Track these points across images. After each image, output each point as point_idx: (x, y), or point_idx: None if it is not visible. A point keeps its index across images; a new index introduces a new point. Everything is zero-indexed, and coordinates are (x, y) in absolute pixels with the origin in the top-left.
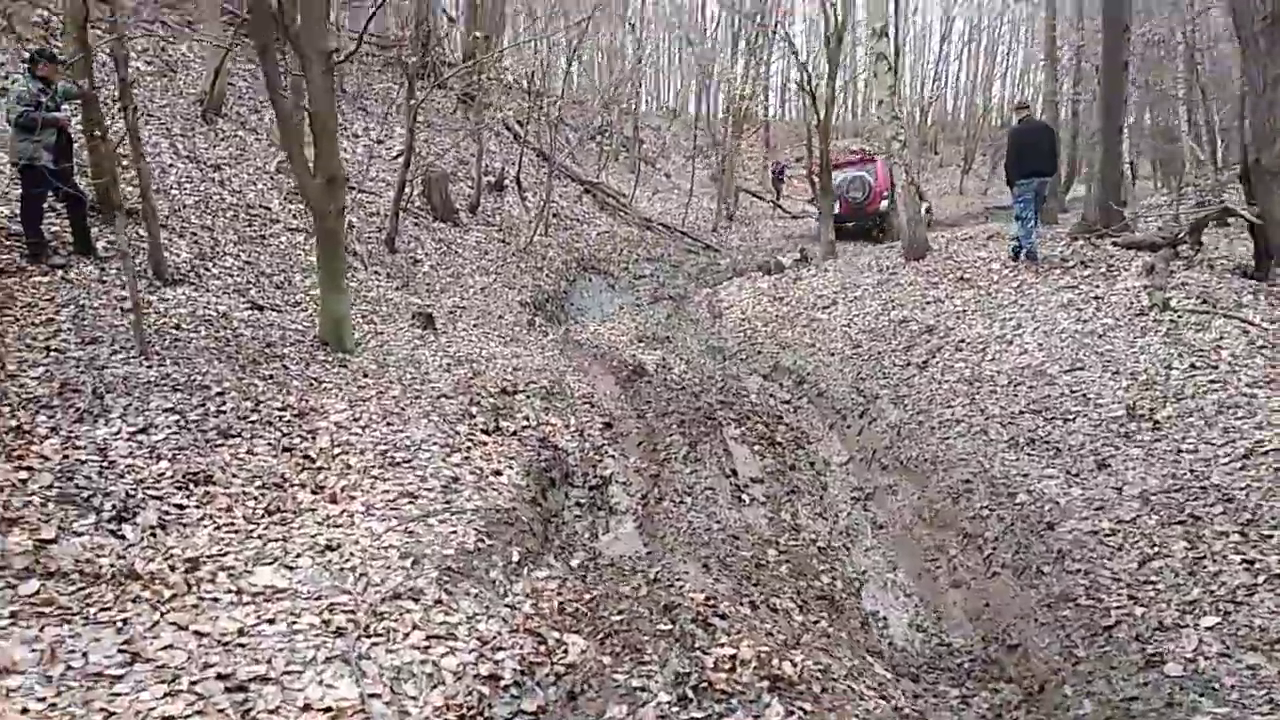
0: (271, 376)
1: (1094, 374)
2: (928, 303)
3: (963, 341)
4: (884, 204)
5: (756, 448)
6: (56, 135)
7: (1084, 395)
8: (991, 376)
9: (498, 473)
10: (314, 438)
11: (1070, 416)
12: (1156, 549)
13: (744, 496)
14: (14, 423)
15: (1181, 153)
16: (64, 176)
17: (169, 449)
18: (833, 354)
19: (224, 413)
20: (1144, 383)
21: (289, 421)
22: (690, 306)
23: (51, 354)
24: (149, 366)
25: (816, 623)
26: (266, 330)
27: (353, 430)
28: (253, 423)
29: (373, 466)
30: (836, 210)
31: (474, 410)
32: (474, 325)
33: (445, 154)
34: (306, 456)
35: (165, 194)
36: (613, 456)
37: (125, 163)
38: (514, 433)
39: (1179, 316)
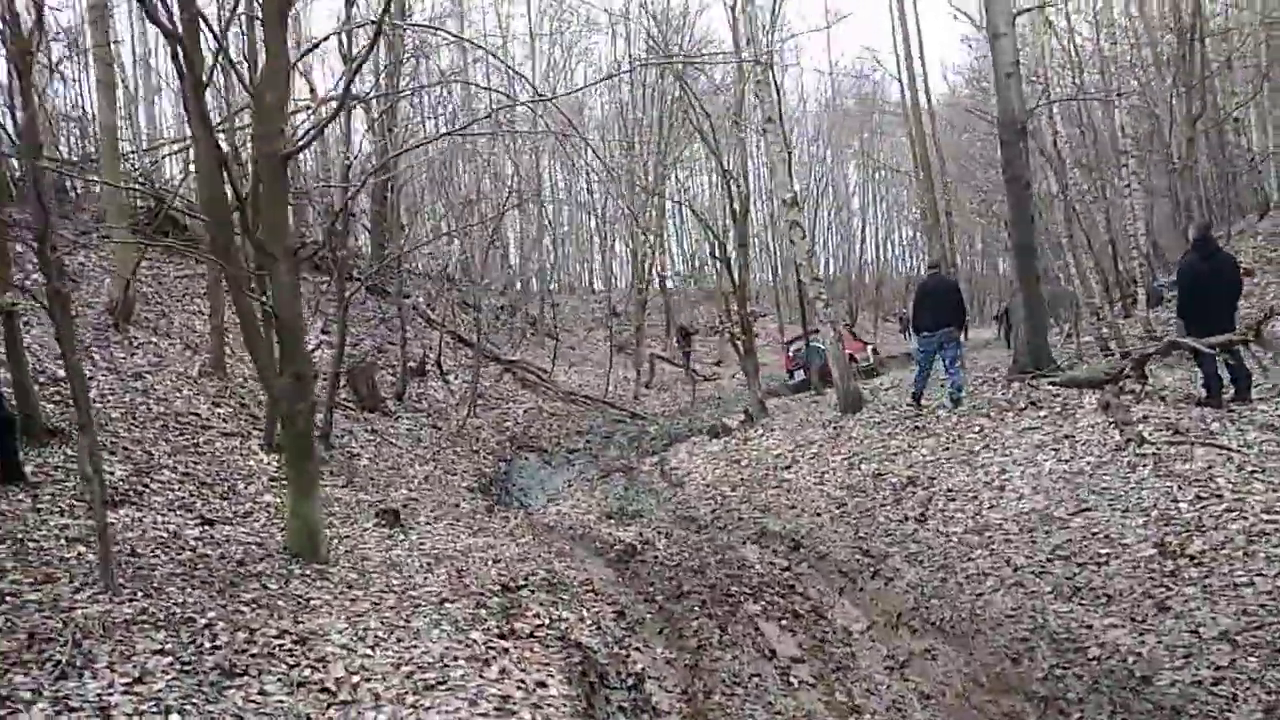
0: (256, 600)
1: (1104, 514)
2: (894, 454)
3: (950, 491)
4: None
5: (782, 622)
6: None
7: (1105, 536)
8: (999, 524)
9: (542, 684)
10: (325, 666)
11: (1102, 560)
12: (1276, 695)
13: (791, 679)
14: None
15: (1064, 296)
16: None
17: (175, 699)
18: (819, 514)
19: (219, 648)
20: (1158, 519)
21: (290, 650)
22: (642, 476)
23: (5, 600)
24: (120, 602)
25: None
26: (226, 547)
27: (363, 652)
28: (254, 656)
29: (405, 694)
30: (801, 376)
31: (482, 613)
32: (435, 518)
33: (359, 343)
34: (326, 689)
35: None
36: (638, 649)
37: (42, 379)
38: (530, 634)
39: (1158, 449)
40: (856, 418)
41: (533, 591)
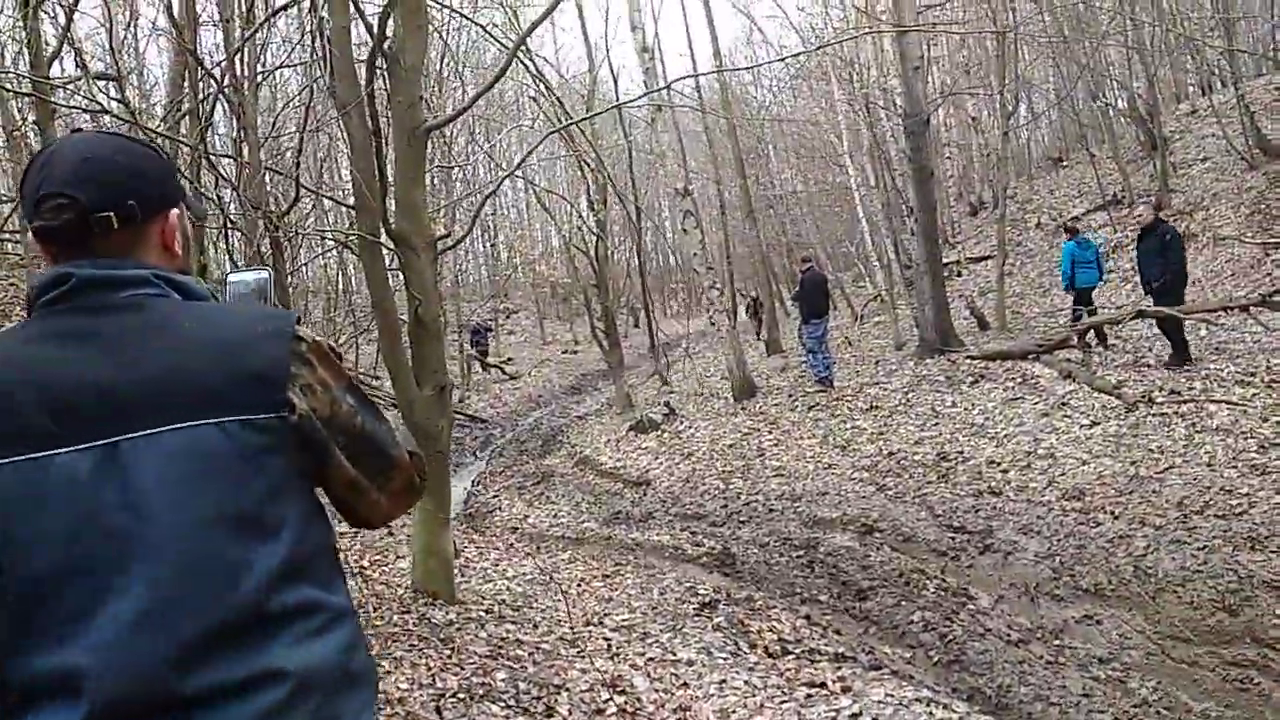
0: (495, 653)
1: (1193, 469)
2: (879, 433)
3: (994, 463)
4: None
5: (969, 606)
6: None
7: (1221, 489)
8: (1091, 489)
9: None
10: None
11: (1239, 510)
12: None
13: (1035, 653)
14: None
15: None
16: None
17: None
18: (864, 497)
19: (553, 712)
20: (1255, 468)
21: (624, 701)
22: (574, 480)
23: None
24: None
25: None
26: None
27: (686, 696)
28: (610, 717)
29: None
30: None
31: (724, 635)
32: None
33: None
34: None
35: None
36: (868, 651)
37: None
38: (786, 652)
39: (1177, 407)
40: (769, 403)
41: (726, 605)
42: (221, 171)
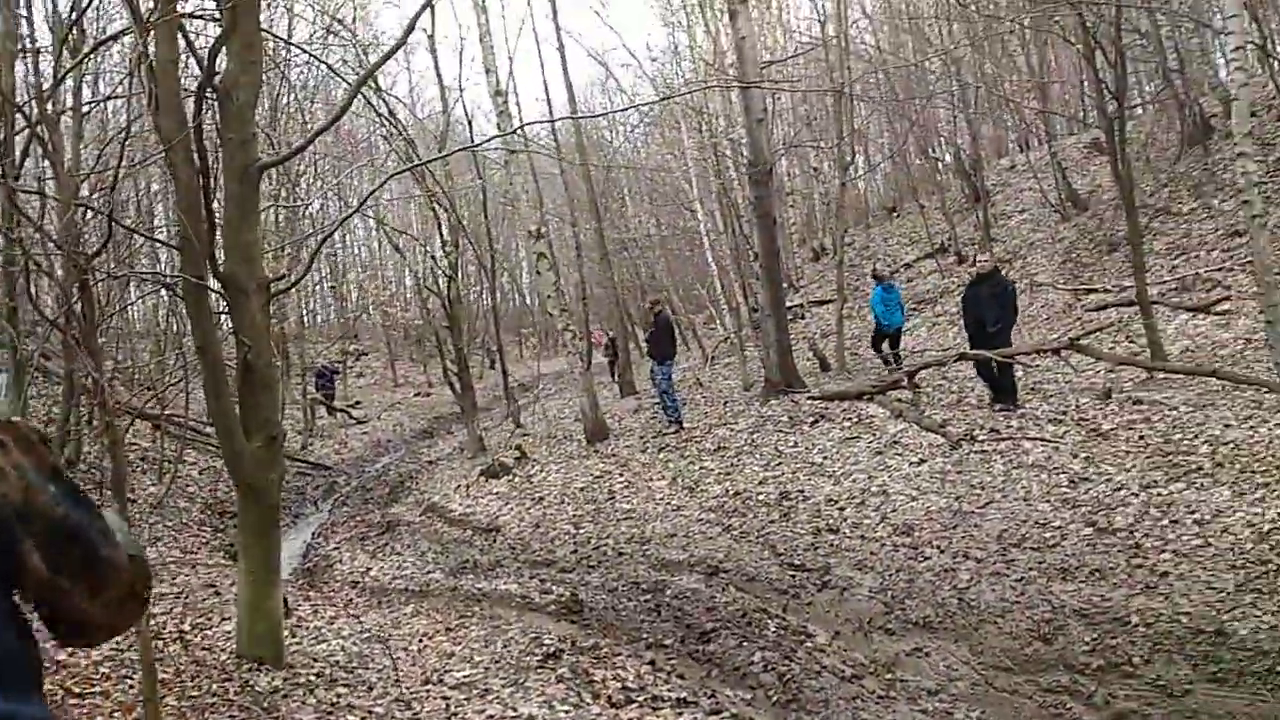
0: None
1: (1011, 504)
2: (725, 473)
3: (832, 500)
4: None
5: (806, 645)
6: None
7: (1037, 523)
8: (920, 525)
9: None
10: None
11: (1053, 542)
12: None
13: (879, 692)
14: None
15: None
16: None
17: None
18: (710, 538)
19: None
20: (1064, 502)
21: None
22: (421, 529)
23: None
24: None
25: None
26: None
27: None
28: None
29: None
30: None
31: (567, 687)
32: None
33: None
34: None
35: None
36: (710, 695)
37: None
38: (629, 701)
39: (996, 445)
40: (621, 445)
41: (571, 655)
42: (24, 210)
